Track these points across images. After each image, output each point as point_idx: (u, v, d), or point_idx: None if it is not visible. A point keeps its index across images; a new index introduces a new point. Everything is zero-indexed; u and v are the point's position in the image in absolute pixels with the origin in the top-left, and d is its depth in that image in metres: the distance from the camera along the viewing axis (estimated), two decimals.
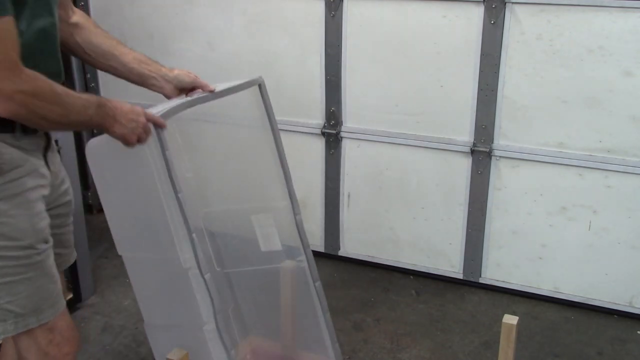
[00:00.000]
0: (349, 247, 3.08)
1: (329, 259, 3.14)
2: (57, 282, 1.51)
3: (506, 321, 1.88)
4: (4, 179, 1.35)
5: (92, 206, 3.54)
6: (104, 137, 1.81)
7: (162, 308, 1.91)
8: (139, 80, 1.72)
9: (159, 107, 1.65)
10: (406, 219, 2.91)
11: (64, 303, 1.54)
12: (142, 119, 1.51)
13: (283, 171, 2.02)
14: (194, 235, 1.70)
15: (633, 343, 2.48)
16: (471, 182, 2.73)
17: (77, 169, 2.64)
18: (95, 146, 1.79)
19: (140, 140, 1.52)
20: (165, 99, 1.79)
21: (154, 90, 1.75)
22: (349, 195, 3.00)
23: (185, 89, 1.75)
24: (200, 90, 1.77)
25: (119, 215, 1.84)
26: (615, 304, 2.64)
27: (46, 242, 1.45)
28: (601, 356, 2.40)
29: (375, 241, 3.01)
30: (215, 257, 2.08)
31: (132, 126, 1.49)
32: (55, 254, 1.53)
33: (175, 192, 1.66)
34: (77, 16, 1.65)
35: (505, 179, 2.68)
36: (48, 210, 1.51)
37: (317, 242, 3.13)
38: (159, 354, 1.91)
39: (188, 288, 1.72)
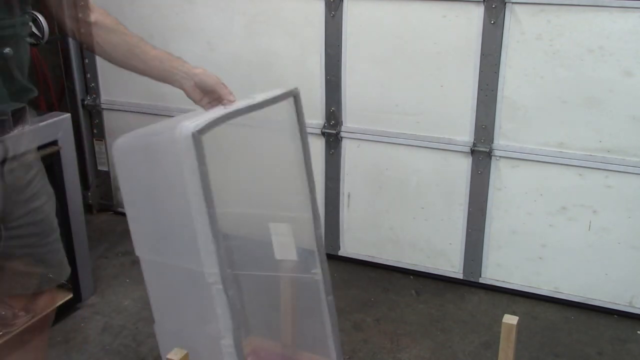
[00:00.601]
0: (349, 247, 3.08)
1: (329, 258, 3.11)
2: None
3: (506, 321, 1.88)
4: None
5: (92, 206, 3.54)
6: (132, 136, 1.80)
7: (176, 314, 1.92)
8: (162, 77, 1.69)
9: (195, 119, 1.62)
10: (406, 219, 2.91)
11: None
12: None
13: (308, 183, 2.01)
14: (222, 251, 1.69)
15: (633, 343, 2.48)
16: (471, 182, 2.73)
17: (77, 169, 2.63)
18: (123, 145, 1.78)
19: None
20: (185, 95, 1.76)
21: (176, 87, 1.72)
22: (349, 195, 3.00)
23: (207, 90, 1.73)
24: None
25: (141, 217, 1.84)
26: (616, 304, 2.64)
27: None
28: (601, 356, 2.40)
29: (375, 241, 3.01)
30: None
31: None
32: (41, 274, 1.47)
33: (208, 207, 1.65)
34: (95, 14, 1.60)
35: (505, 179, 2.68)
36: (9, 228, 1.44)
37: None
38: (166, 355, 1.92)
39: (208, 301, 1.72)
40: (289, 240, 1.98)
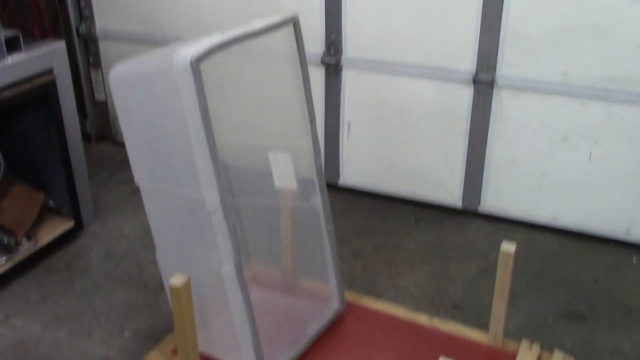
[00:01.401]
0: (349, 176, 3.09)
1: (328, 188, 3.14)
2: None
3: (504, 248, 1.91)
4: None
5: (90, 136, 3.53)
6: (128, 64, 1.77)
7: (177, 241, 1.93)
8: None
9: (192, 47, 1.58)
10: (406, 149, 2.91)
11: None
12: None
13: (308, 113, 1.99)
14: (223, 179, 1.69)
15: (628, 270, 2.52)
16: (472, 112, 2.71)
17: (74, 98, 2.61)
18: (120, 72, 1.75)
19: None
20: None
21: None
22: (348, 125, 2.98)
23: None
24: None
25: (140, 146, 1.83)
26: (613, 232, 2.66)
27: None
28: (596, 283, 2.44)
29: (374, 171, 3.02)
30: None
31: None
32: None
33: (207, 137, 1.63)
34: None
35: (507, 109, 2.66)
36: None
37: None
38: (168, 282, 1.94)
39: (209, 229, 1.73)
40: (288, 169, 1.98)
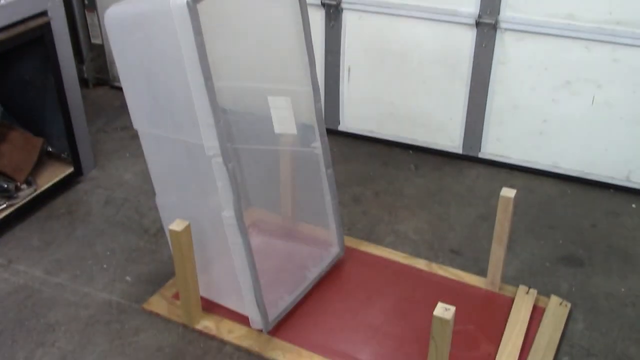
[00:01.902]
0: (349, 121, 3.06)
1: (328, 133, 3.12)
2: None
3: (504, 194, 1.91)
4: None
5: (87, 81, 3.49)
6: (123, 5, 1.72)
7: (176, 187, 1.93)
8: None
9: None
10: (407, 94, 2.88)
11: None
12: None
13: (308, 56, 1.95)
14: (222, 123, 1.67)
15: (627, 216, 2.52)
16: (474, 56, 2.67)
17: (70, 41, 2.56)
18: (116, 14, 1.71)
19: None
20: None
21: None
22: (349, 69, 2.94)
23: None
24: None
25: (138, 90, 1.80)
26: (613, 178, 2.66)
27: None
28: (595, 228, 2.46)
29: (375, 116, 2.99)
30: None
31: None
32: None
33: (206, 80, 1.60)
34: None
35: (510, 53, 2.61)
36: None
37: None
38: (168, 227, 1.95)
39: (209, 174, 1.72)
40: (288, 113, 1.96)
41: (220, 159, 1.68)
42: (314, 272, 2.09)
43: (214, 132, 1.66)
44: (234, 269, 1.83)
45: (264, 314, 1.86)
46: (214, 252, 1.94)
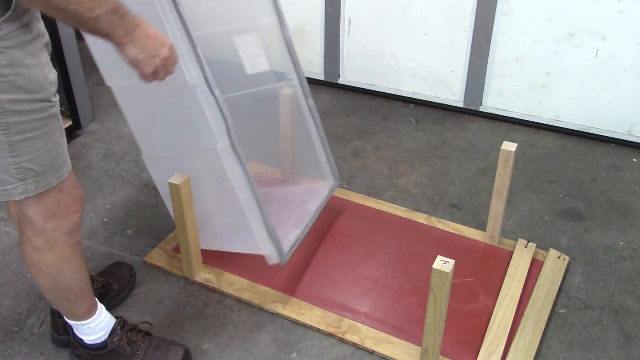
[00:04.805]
0: (349, 75, 3.03)
1: (328, 87, 3.11)
2: (65, 136, 1.42)
3: (505, 148, 1.90)
4: (17, 24, 1.21)
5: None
6: None
7: (163, 138, 1.89)
8: None
9: None
10: (408, 46, 2.84)
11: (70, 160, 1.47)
12: (165, 51, 1.27)
13: None
14: (199, 50, 1.62)
15: (627, 170, 2.52)
16: (477, 7, 2.62)
17: None
18: None
19: (156, 75, 1.29)
20: None
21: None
22: (349, 21, 2.90)
23: None
24: None
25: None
26: (614, 132, 2.65)
27: (56, 94, 1.35)
28: (595, 182, 2.45)
29: (375, 69, 2.96)
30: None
31: (151, 54, 1.25)
32: None
33: (176, 5, 1.56)
34: None
35: (514, 4, 2.57)
36: None
37: (317, 70, 3.08)
38: (161, 183, 1.93)
39: (196, 108, 1.67)
40: (258, 51, 1.90)
41: (205, 88, 1.63)
42: (314, 205, 2.05)
43: (194, 60, 1.61)
44: (239, 208, 1.78)
45: (277, 244, 1.81)
46: (213, 198, 1.91)
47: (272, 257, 1.84)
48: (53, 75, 1.33)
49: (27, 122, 1.28)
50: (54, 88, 1.33)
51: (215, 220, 1.96)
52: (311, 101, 2.04)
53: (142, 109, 1.84)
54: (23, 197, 1.34)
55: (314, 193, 2.11)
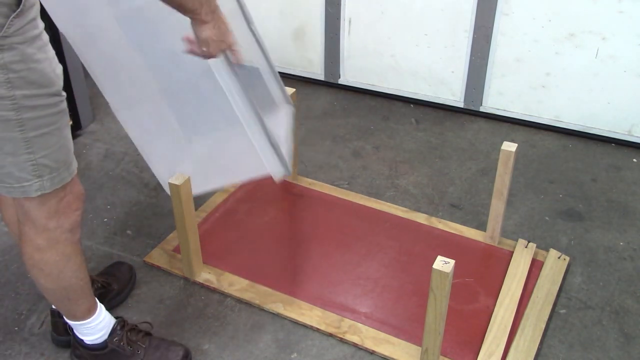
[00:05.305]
0: (349, 75, 3.03)
1: (328, 87, 3.11)
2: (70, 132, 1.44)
3: (505, 148, 1.90)
4: (26, 19, 1.21)
5: None
6: None
7: (133, 75, 1.82)
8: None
9: None
10: (408, 46, 2.84)
11: None
12: (231, 38, 1.40)
13: None
14: None
15: (627, 170, 2.52)
16: (477, 7, 2.62)
17: None
18: None
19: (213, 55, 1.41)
20: None
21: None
22: (349, 21, 2.90)
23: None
24: None
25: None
26: (615, 132, 2.65)
27: (63, 88, 1.36)
28: (595, 182, 2.45)
29: (376, 69, 2.96)
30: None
31: (222, 38, 1.37)
32: None
33: None
34: None
35: (514, 3, 2.57)
36: None
37: (317, 70, 3.08)
38: (139, 139, 1.88)
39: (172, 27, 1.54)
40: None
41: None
42: (282, 133, 1.89)
43: None
44: (237, 128, 1.66)
45: (281, 156, 1.69)
46: (207, 127, 1.81)
47: (279, 171, 1.71)
48: (59, 69, 1.35)
49: (41, 117, 1.29)
50: (62, 82, 1.34)
51: (213, 154, 1.87)
52: (254, 26, 1.90)
53: (105, 52, 1.75)
54: (39, 193, 1.35)
55: (278, 123, 1.95)
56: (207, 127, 1.83)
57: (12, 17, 1.17)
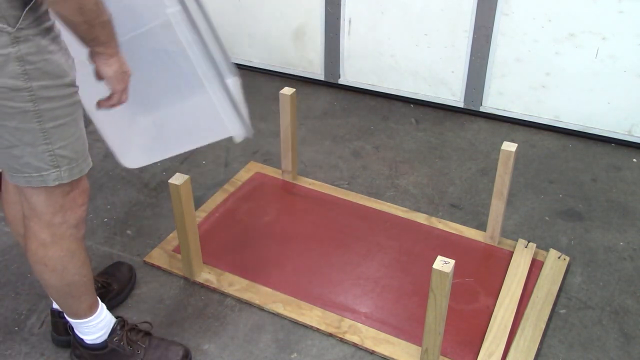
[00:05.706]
0: (349, 75, 3.03)
1: (328, 87, 3.11)
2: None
3: (505, 148, 1.90)
4: (39, 10, 1.22)
5: None
6: None
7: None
8: None
9: None
10: (408, 46, 2.84)
11: None
12: (129, 70, 1.39)
13: None
14: None
15: (627, 170, 2.52)
16: (478, 7, 2.62)
17: None
18: None
19: (123, 93, 1.40)
20: None
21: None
22: (349, 21, 2.90)
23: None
24: None
25: None
26: (614, 132, 2.65)
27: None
28: (595, 182, 2.45)
29: (376, 69, 2.96)
30: None
31: (125, 70, 1.36)
32: None
33: None
34: None
35: (514, 3, 2.57)
36: None
37: (317, 70, 3.08)
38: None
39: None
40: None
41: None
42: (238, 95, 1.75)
43: None
44: (197, 86, 1.59)
45: (242, 117, 1.63)
46: (166, 88, 1.72)
47: (240, 132, 1.66)
48: (72, 60, 1.35)
49: (58, 108, 1.30)
50: (75, 73, 1.35)
51: (173, 116, 1.78)
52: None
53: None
54: (57, 183, 1.36)
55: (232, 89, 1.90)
56: (160, 98, 1.79)
57: (26, 9, 1.18)
